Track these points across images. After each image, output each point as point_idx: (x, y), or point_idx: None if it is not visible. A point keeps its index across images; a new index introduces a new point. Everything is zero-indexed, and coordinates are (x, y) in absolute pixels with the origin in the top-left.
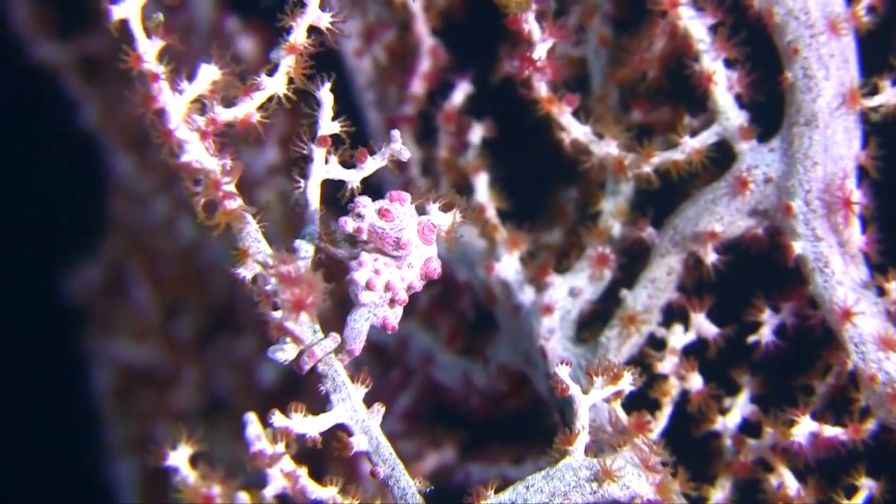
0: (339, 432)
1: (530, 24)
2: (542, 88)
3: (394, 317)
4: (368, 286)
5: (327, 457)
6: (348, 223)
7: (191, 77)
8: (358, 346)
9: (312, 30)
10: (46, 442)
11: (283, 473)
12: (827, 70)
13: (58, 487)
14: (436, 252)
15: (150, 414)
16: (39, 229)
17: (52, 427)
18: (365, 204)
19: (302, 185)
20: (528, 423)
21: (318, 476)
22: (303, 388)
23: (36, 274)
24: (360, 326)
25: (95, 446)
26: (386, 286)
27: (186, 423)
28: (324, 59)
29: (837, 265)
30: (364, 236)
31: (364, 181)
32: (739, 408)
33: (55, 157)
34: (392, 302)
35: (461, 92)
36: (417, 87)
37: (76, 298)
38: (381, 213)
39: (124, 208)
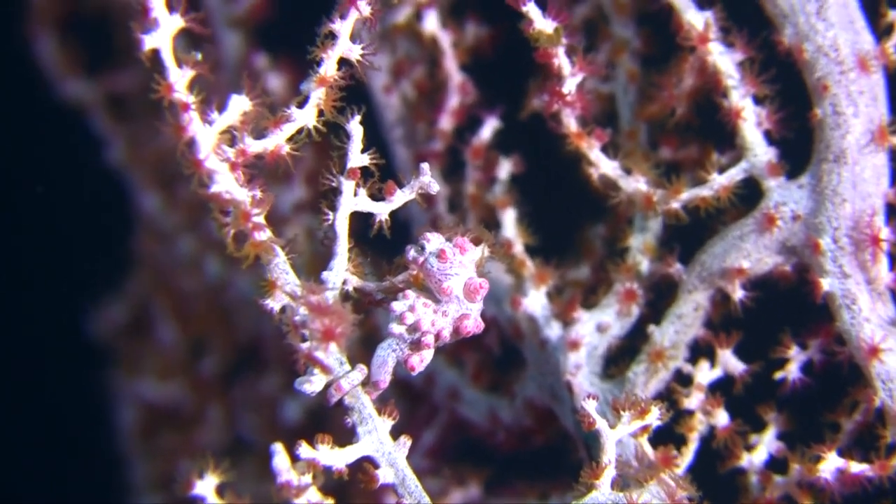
0: (365, 464)
1: (560, 59)
2: (571, 123)
3: (417, 359)
4: (400, 318)
5: (351, 492)
6: (411, 252)
7: (221, 108)
8: (384, 377)
9: (343, 62)
10: (71, 480)
11: None
12: (856, 107)
13: None
14: (477, 311)
15: (175, 452)
16: (66, 266)
17: (76, 465)
18: (430, 239)
19: (331, 217)
20: (555, 458)
21: None
22: (327, 425)
23: (62, 311)
24: (384, 356)
25: (120, 485)
26: (415, 325)
27: (209, 461)
28: (352, 95)
29: (865, 302)
30: (415, 269)
31: (392, 215)
32: (766, 444)
33: (82, 194)
34: (418, 343)
35: (489, 127)
36: (446, 122)
37: (101, 336)
38: (438, 253)
39: (150, 246)
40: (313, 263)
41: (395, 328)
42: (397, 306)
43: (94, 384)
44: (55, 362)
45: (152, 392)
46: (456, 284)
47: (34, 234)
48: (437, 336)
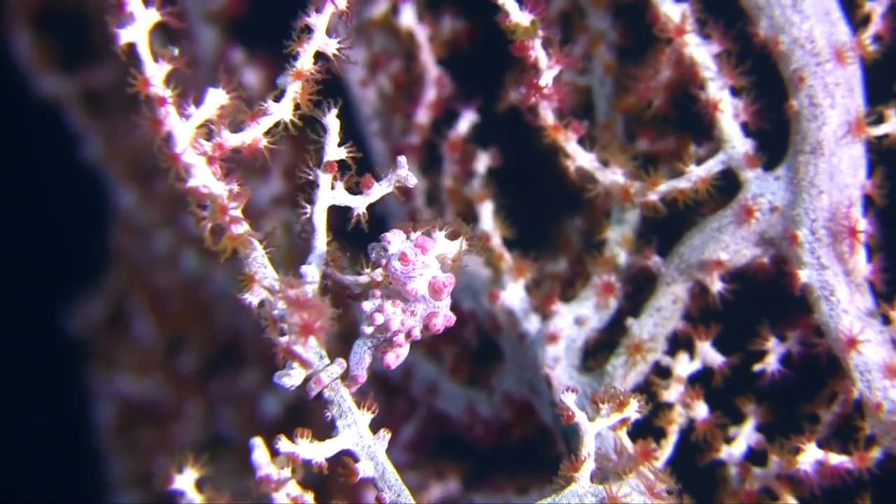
0: (344, 458)
1: (537, 51)
2: (548, 116)
3: (393, 356)
4: (370, 319)
5: (329, 489)
6: (372, 254)
7: (198, 102)
8: (361, 372)
9: (319, 56)
10: (48, 476)
11: (289, 498)
12: (832, 98)
13: None
14: (445, 307)
15: (153, 448)
16: (42, 262)
17: (54, 461)
18: (391, 240)
19: (308, 210)
20: (533, 452)
21: None
22: (306, 421)
23: (38, 307)
24: (361, 352)
25: (97, 481)
26: (384, 326)
27: (187, 456)
28: (329, 88)
29: (843, 294)
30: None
31: (369, 209)
32: (745, 436)
33: (58, 190)
34: (391, 341)
35: (466, 121)
36: (422, 116)
37: (78, 332)
38: (400, 255)
39: (127, 241)
40: (290, 257)
41: (366, 328)
42: (366, 306)
43: (72, 380)
44: (32, 358)
45: (130, 388)
46: (420, 285)
47: (10, 229)
48: (408, 334)
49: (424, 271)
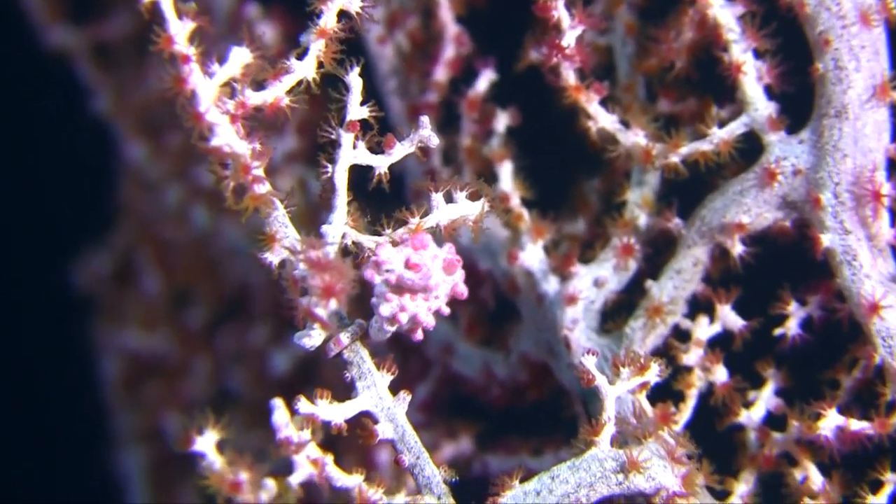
0: (363, 420)
1: (560, 11)
2: (570, 76)
3: (420, 332)
4: (394, 320)
5: (341, 447)
6: (375, 277)
7: (221, 60)
8: (381, 339)
9: (342, 14)
10: (54, 431)
11: (309, 460)
12: (858, 61)
13: (65, 477)
14: (461, 275)
15: (159, 404)
16: (49, 217)
17: (59, 416)
18: (389, 258)
19: (329, 170)
20: (549, 414)
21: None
22: (315, 378)
23: (45, 262)
24: (384, 334)
25: (103, 436)
26: (412, 319)
27: (197, 413)
28: (346, 46)
29: (866, 258)
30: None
31: (389, 167)
32: (764, 401)
33: (67, 143)
34: (419, 324)
35: (485, 79)
36: (440, 74)
37: (85, 287)
38: (410, 267)
39: (135, 196)
40: (305, 215)
41: (388, 327)
42: (385, 311)
43: (78, 335)
44: (38, 313)
45: (136, 343)
46: (439, 275)
47: (18, 183)
48: (436, 313)
49: (434, 264)
